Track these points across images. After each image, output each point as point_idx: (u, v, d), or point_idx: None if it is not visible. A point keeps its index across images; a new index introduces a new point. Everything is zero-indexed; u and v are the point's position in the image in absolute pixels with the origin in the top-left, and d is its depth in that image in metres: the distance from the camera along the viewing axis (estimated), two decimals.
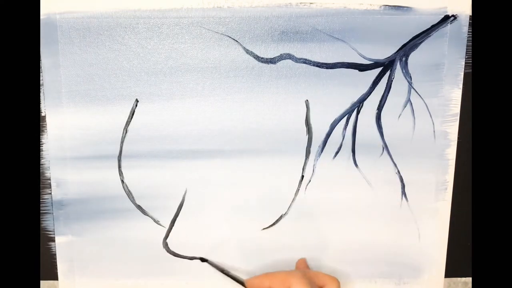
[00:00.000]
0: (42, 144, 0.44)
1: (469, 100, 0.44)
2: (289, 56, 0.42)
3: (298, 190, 0.45)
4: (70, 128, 0.43)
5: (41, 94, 0.43)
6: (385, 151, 0.45)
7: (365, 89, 0.43)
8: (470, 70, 0.43)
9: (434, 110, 0.44)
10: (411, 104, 0.44)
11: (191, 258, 0.46)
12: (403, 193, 0.46)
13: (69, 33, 0.42)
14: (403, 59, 0.43)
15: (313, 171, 0.45)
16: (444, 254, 0.47)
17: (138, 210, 0.45)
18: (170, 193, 0.45)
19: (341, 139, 0.44)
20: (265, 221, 0.45)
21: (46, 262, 0.46)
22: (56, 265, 0.46)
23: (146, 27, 0.42)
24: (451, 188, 0.45)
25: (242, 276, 0.45)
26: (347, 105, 0.44)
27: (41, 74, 0.42)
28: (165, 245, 0.46)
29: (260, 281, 0.40)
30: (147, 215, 0.45)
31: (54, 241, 0.46)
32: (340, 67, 0.43)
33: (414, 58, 0.43)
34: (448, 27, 0.42)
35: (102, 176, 0.44)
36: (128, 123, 0.43)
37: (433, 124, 0.44)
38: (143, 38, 0.42)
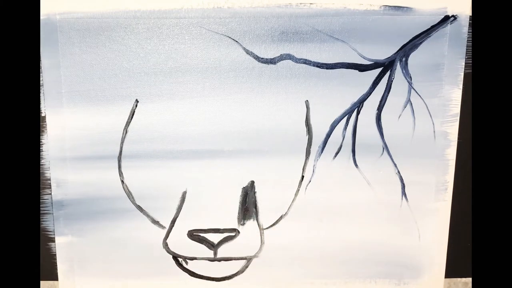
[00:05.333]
0: (42, 144, 0.44)
1: (469, 100, 0.44)
2: (289, 57, 0.42)
3: (298, 190, 0.45)
4: (70, 128, 0.43)
5: (41, 94, 0.43)
6: (385, 151, 0.45)
7: (365, 90, 0.43)
8: (470, 70, 0.43)
9: (434, 110, 0.44)
10: (411, 104, 0.44)
11: (191, 259, 0.46)
12: (403, 193, 0.46)
13: (69, 33, 0.42)
14: (403, 59, 0.43)
15: (313, 171, 0.45)
16: (444, 254, 0.47)
17: (138, 211, 0.45)
18: (170, 193, 0.45)
19: (341, 140, 0.44)
20: (265, 221, 0.45)
21: (46, 262, 0.46)
22: (56, 265, 0.46)
23: (146, 28, 0.42)
24: (451, 188, 0.45)
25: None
26: (347, 106, 0.44)
27: (41, 74, 0.42)
28: (165, 245, 0.46)
29: None
30: (147, 216, 0.45)
31: (54, 241, 0.46)
32: (340, 68, 0.43)
33: (414, 58, 0.43)
34: (448, 28, 0.42)
35: (102, 176, 0.44)
36: (128, 123, 0.43)
37: (433, 124, 0.44)
38: (143, 38, 0.42)
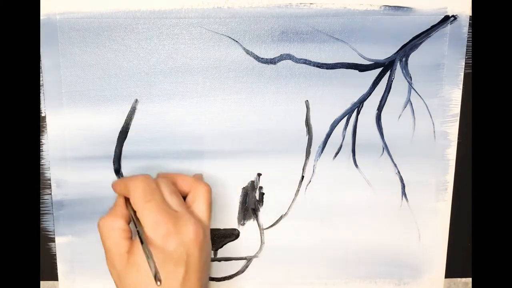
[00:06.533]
0: (42, 144, 0.44)
1: (469, 100, 0.44)
2: (289, 57, 0.42)
3: (298, 190, 0.45)
4: (70, 128, 0.43)
5: (41, 94, 0.43)
6: (385, 152, 0.45)
7: (365, 90, 0.43)
8: (470, 70, 0.43)
9: (434, 110, 0.44)
10: (411, 104, 0.44)
11: None
12: (403, 193, 0.46)
13: (69, 33, 0.42)
14: (403, 59, 0.43)
15: (313, 171, 0.45)
16: (444, 254, 0.47)
17: None
18: None
19: (341, 140, 0.44)
20: (265, 221, 0.45)
21: (46, 262, 0.46)
22: (56, 265, 0.46)
23: (146, 28, 0.42)
24: (451, 188, 0.45)
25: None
26: (347, 106, 0.44)
27: (41, 74, 0.42)
28: None
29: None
30: None
31: (54, 241, 0.46)
32: (340, 68, 0.43)
33: (414, 58, 0.43)
34: (448, 28, 0.42)
35: (102, 176, 0.44)
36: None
37: (433, 124, 0.44)
38: (143, 38, 0.42)
